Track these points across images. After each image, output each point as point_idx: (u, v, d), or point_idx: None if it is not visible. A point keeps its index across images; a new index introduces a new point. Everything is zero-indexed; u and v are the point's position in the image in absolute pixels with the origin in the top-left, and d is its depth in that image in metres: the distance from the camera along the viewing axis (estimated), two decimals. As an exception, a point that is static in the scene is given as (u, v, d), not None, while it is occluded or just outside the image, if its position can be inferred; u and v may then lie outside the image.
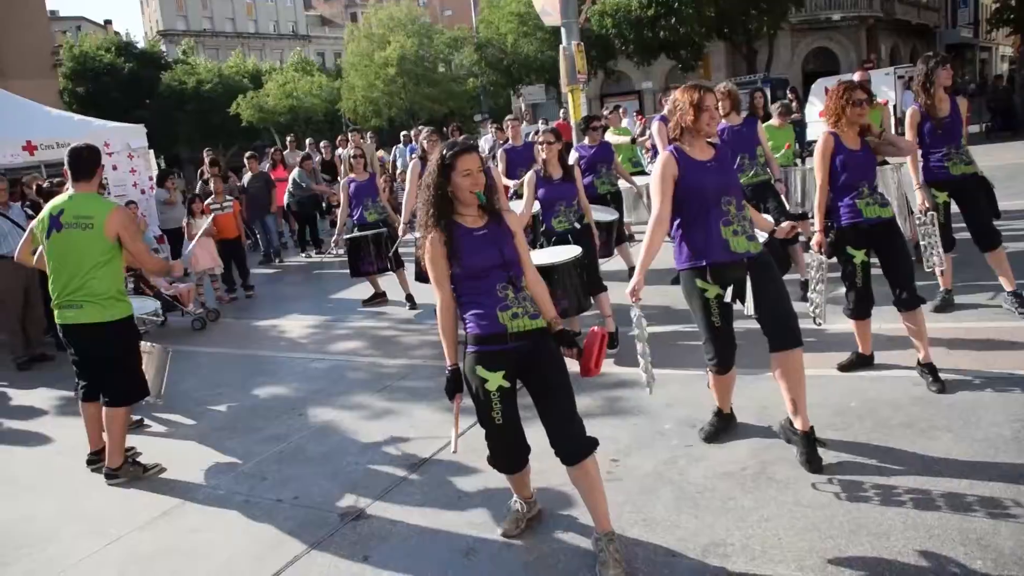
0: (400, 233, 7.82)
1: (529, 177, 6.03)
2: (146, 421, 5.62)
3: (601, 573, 3.10)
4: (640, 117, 10.52)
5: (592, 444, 3.19)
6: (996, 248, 5.57)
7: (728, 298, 3.86)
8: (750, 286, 3.79)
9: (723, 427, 4.31)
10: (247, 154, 13.46)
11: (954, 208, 5.74)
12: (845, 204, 4.66)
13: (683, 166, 3.82)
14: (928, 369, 4.57)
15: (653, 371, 3.80)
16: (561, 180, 5.97)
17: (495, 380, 3.18)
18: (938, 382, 4.50)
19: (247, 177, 12.83)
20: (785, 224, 4.11)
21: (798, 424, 3.85)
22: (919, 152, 5.69)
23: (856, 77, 8.67)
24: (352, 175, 8.56)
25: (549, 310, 3.29)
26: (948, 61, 5.57)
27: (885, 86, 18.85)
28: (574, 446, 3.16)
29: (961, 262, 6.39)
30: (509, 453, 3.36)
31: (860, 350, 4.97)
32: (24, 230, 7.53)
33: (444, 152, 3.19)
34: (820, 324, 4.72)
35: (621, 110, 10.43)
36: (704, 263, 3.83)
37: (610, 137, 9.67)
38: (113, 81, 37.77)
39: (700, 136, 3.85)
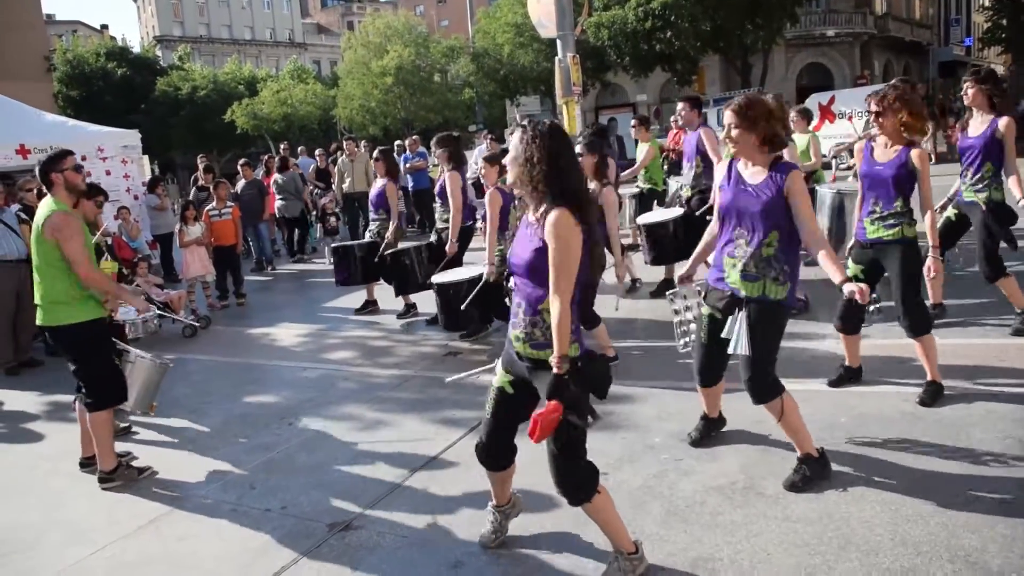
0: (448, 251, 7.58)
1: (492, 195, 6.06)
2: (135, 428, 5.60)
3: None
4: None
5: (580, 496, 3.06)
6: (995, 281, 5.55)
7: (724, 332, 3.75)
8: (740, 325, 3.67)
9: (708, 431, 4.35)
10: (241, 161, 13.45)
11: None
12: (860, 216, 4.67)
13: (726, 178, 3.78)
14: (927, 384, 4.58)
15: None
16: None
17: (501, 379, 3.20)
18: (927, 394, 4.52)
19: (240, 184, 12.82)
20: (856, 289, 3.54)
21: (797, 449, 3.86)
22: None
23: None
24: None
25: (559, 346, 2.85)
26: (967, 81, 5.48)
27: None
28: (563, 492, 3.08)
29: (957, 278, 6.43)
30: (487, 446, 3.32)
31: (847, 362, 4.97)
32: (17, 233, 7.55)
33: None
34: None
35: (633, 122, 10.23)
36: (708, 279, 3.88)
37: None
38: (107, 86, 37.77)
39: (752, 156, 3.66)
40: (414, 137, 15.38)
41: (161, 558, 3.81)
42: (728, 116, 3.61)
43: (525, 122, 2.98)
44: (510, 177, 2.99)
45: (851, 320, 4.78)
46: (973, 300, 6.33)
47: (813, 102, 19.31)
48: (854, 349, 4.92)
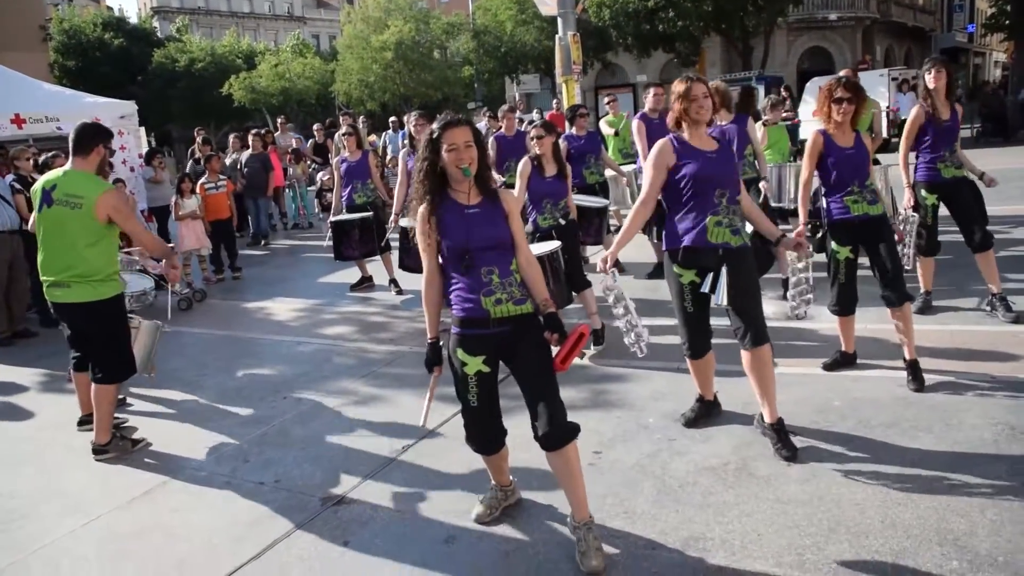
0: (392, 221, 7.80)
1: (523, 166, 5.99)
2: (129, 400, 5.60)
3: (582, 562, 3.11)
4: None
5: (573, 431, 3.17)
6: (987, 250, 5.59)
7: (705, 288, 3.93)
8: (724, 277, 3.86)
9: (704, 413, 4.40)
10: (252, 131, 13.29)
11: (943, 212, 5.75)
12: (835, 200, 4.72)
13: (681, 154, 3.93)
14: (910, 366, 4.61)
15: (644, 331, 3.93)
16: (553, 177, 5.91)
17: (474, 364, 3.22)
18: (917, 380, 4.55)
19: (246, 155, 12.71)
20: (792, 237, 4.15)
21: (766, 416, 3.96)
22: (912, 153, 5.76)
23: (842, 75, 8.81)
24: (344, 154, 8.51)
25: (540, 292, 3.22)
26: (936, 64, 5.55)
27: (880, 87, 18.91)
28: (554, 432, 3.13)
29: (949, 264, 6.44)
30: (482, 435, 3.38)
31: (843, 348, 5.00)
32: (10, 204, 7.50)
33: (434, 127, 3.21)
34: (801, 318, 4.72)
35: (607, 100, 10.28)
36: (678, 245, 3.97)
37: (604, 127, 9.69)
38: (104, 56, 37.40)
39: (697, 126, 3.95)
40: (413, 113, 15.26)
41: (154, 529, 3.82)
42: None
43: (462, 118, 3.26)
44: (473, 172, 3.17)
45: (850, 302, 4.81)
46: (966, 286, 6.34)
47: (814, 86, 19.24)
48: (849, 332, 4.95)
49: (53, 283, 4.53)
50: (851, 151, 4.65)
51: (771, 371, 3.93)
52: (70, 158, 4.58)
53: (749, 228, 4.16)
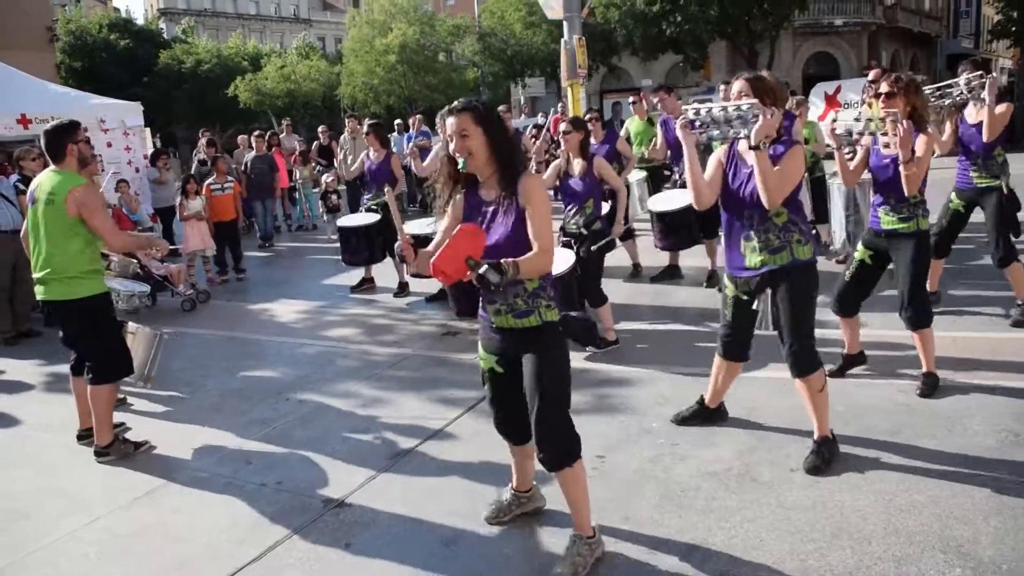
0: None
1: (559, 161, 5.86)
2: (131, 400, 5.59)
3: (556, 567, 3.11)
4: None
5: (566, 457, 3.07)
6: (1003, 268, 5.57)
7: (756, 307, 3.84)
8: (765, 306, 3.78)
9: (698, 414, 4.38)
10: (255, 133, 13.33)
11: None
12: (874, 205, 4.63)
13: (729, 161, 3.78)
14: (924, 375, 4.58)
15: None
16: (579, 178, 5.72)
17: (487, 362, 3.23)
18: (927, 387, 4.52)
19: (250, 156, 12.73)
20: None
21: (815, 432, 3.89)
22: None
23: (871, 76, 8.89)
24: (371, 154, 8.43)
25: (515, 268, 2.81)
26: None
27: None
28: (543, 457, 3.08)
29: (958, 271, 6.41)
30: (499, 425, 3.36)
31: (846, 350, 4.94)
32: (13, 204, 7.52)
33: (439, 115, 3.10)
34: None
35: (632, 100, 9.85)
36: (728, 270, 3.92)
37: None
38: (110, 57, 37.52)
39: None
40: (418, 116, 15.30)
41: (155, 530, 3.81)
42: (740, 85, 3.62)
43: (458, 104, 3.00)
44: (470, 166, 2.96)
45: (848, 303, 4.77)
46: (973, 292, 6.33)
47: (819, 91, 19.21)
48: (854, 334, 4.89)
49: (37, 280, 4.60)
50: (888, 159, 4.41)
51: (815, 399, 3.81)
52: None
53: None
